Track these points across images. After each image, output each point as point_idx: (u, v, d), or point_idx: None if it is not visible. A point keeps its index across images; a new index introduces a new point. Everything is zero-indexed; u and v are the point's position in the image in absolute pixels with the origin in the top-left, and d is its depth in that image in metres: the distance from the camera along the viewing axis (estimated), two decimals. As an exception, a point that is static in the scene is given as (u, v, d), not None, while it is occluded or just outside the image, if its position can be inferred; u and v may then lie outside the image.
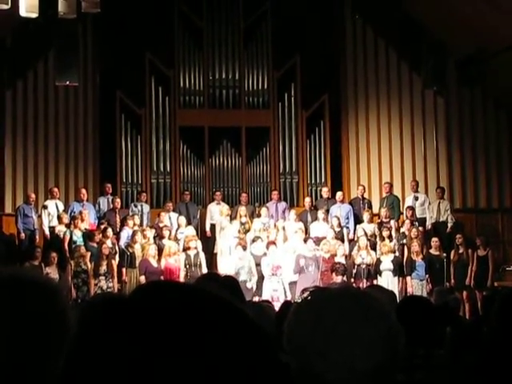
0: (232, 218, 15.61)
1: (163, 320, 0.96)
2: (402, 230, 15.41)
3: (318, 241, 14.58)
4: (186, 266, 14.00)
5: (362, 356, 1.60)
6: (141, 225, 15.32)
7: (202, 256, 14.31)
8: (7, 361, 1.45)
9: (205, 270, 13.94)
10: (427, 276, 14.40)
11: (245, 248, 14.24)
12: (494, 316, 3.51)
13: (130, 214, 15.59)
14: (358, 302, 1.67)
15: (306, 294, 1.75)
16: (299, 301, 1.77)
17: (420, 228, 15.33)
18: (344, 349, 1.60)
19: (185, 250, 14.35)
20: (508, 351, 3.09)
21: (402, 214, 16.16)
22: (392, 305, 4.83)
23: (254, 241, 14.47)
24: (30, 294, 1.53)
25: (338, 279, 13.51)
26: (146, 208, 16.08)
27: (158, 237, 14.94)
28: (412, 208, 15.96)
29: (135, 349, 0.95)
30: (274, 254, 14.05)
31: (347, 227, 15.84)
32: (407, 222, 15.41)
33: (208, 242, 15.64)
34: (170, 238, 14.82)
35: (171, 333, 0.96)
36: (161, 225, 15.24)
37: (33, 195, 15.73)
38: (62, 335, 1.54)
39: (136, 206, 16.02)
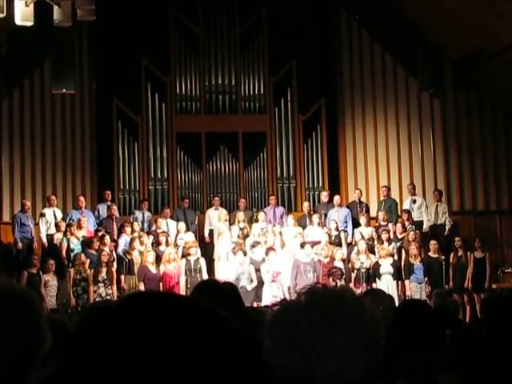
0: (230, 223, 15.61)
1: (144, 330, 0.97)
2: (396, 233, 15.42)
3: (313, 245, 14.57)
4: (186, 272, 13.99)
5: (345, 366, 1.56)
6: (142, 231, 15.34)
7: (203, 261, 14.29)
8: None
9: (205, 276, 13.93)
10: (426, 279, 14.39)
11: (245, 253, 14.25)
12: (485, 320, 3.51)
13: (131, 221, 15.59)
14: (328, 310, 1.62)
15: (275, 309, 1.69)
16: (269, 319, 1.71)
17: (417, 231, 15.33)
18: (326, 362, 1.55)
19: (184, 255, 14.34)
20: (499, 355, 3.09)
21: (400, 217, 16.16)
22: (390, 309, 4.83)
23: (253, 246, 14.46)
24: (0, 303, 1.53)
25: (336, 284, 13.49)
26: (148, 216, 16.07)
27: (156, 243, 14.93)
28: (408, 211, 15.98)
29: (115, 358, 0.95)
30: (273, 259, 14.04)
31: (345, 231, 15.83)
32: (399, 225, 15.44)
33: (207, 247, 15.63)
34: (168, 244, 14.81)
35: (151, 343, 0.96)
36: (158, 231, 15.24)
37: (28, 203, 15.69)
38: (36, 343, 1.54)
39: (133, 213, 16.03)
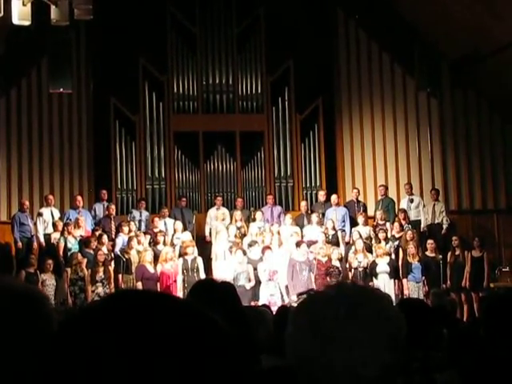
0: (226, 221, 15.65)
1: (119, 327, 0.97)
2: (393, 232, 15.42)
3: (310, 245, 14.57)
4: (183, 271, 13.99)
5: (365, 361, 1.56)
6: (139, 230, 15.33)
7: (200, 261, 14.28)
8: None
9: (202, 275, 13.93)
10: (423, 278, 14.39)
11: (245, 252, 14.25)
12: (482, 319, 3.52)
13: (128, 220, 15.59)
14: (354, 304, 1.63)
15: (301, 299, 1.71)
16: (295, 306, 1.73)
17: (415, 230, 15.34)
18: (346, 355, 1.56)
19: (181, 255, 14.34)
20: (497, 354, 3.09)
21: (397, 216, 16.16)
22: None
23: (250, 245, 14.46)
24: (11, 303, 1.53)
25: (333, 283, 13.46)
26: (145, 215, 16.07)
27: (153, 242, 14.93)
28: (405, 211, 15.98)
29: (92, 359, 0.95)
30: (270, 259, 14.04)
31: (343, 230, 15.83)
32: (396, 224, 15.43)
33: (204, 246, 15.61)
34: (165, 244, 14.80)
35: (129, 343, 0.96)
36: (155, 230, 15.24)
37: (27, 202, 15.69)
38: (47, 342, 1.55)
39: (131, 213, 16.03)
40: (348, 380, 1.56)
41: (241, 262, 14.02)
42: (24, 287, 1.61)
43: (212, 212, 16.23)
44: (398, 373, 1.66)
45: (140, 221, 15.81)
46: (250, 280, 13.95)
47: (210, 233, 15.92)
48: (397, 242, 15.01)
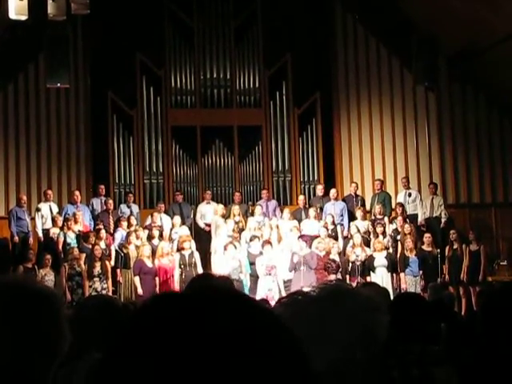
0: (226, 217, 15.61)
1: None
2: (393, 226, 15.40)
3: (309, 239, 14.55)
4: (180, 266, 13.99)
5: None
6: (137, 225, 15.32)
7: (197, 256, 14.29)
8: (6, 362, 1.47)
9: (200, 270, 13.93)
10: (421, 272, 14.39)
11: (235, 246, 14.23)
12: (479, 313, 3.52)
13: (119, 215, 15.56)
14: (312, 311, 1.63)
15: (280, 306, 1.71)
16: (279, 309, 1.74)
17: (412, 224, 15.33)
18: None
19: (179, 250, 14.33)
20: (495, 348, 3.10)
21: (394, 210, 16.15)
22: (385, 302, 4.83)
23: (251, 240, 14.45)
24: (26, 301, 1.54)
25: (332, 277, 13.51)
26: (136, 209, 16.05)
27: (150, 237, 14.91)
28: (402, 204, 15.96)
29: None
30: (269, 253, 14.04)
31: (342, 224, 15.83)
32: (400, 218, 15.40)
33: (203, 241, 15.60)
34: (161, 238, 14.77)
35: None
36: (153, 225, 15.23)
37: (24, 197, 15.67)
38: (56, 338, 1.56)
39: (129, 207, 15.99)
40: None
41: (234, 257, 14.02)
42: (36, 285, 1.62)
43: (202, 207, 16.20)
44: (373, 368, 1.66)
45: (130, 215, 15.70)
46: (242, 272, 13.97)
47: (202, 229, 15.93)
48: (398, 236, 15.00)
